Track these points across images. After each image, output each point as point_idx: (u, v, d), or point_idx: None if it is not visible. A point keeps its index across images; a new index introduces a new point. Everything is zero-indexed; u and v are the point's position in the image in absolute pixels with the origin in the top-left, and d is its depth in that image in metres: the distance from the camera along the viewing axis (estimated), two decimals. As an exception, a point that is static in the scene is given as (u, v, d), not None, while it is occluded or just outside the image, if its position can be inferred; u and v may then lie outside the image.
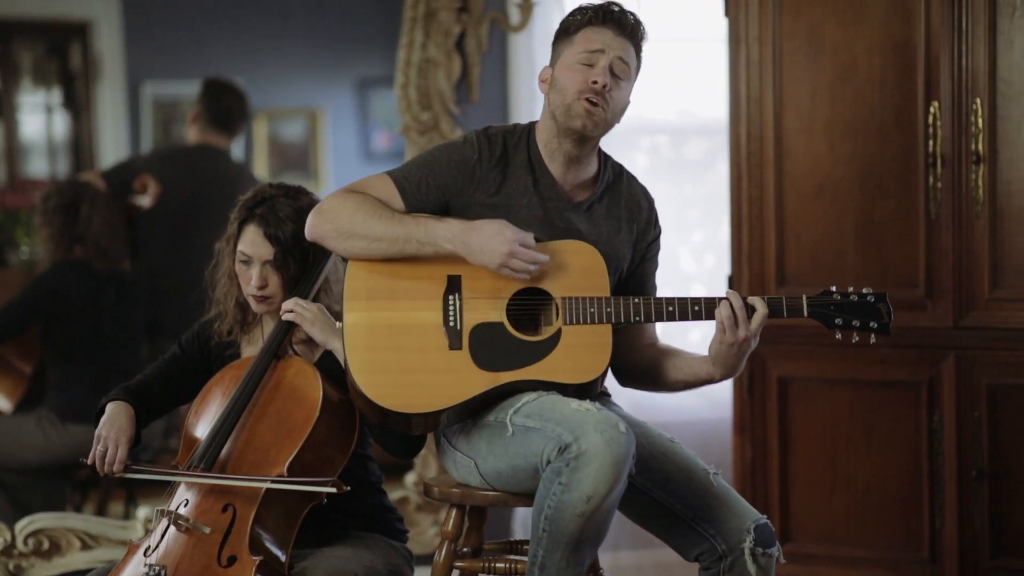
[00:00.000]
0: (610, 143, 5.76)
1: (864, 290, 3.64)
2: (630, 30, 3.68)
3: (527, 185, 3.70)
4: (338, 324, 3.68)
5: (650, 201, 3.88)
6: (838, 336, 3.65)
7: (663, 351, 3.83)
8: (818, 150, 4.89)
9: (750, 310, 3.60)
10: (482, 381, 3.57)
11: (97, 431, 3.77)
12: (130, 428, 3.78)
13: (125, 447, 3.73)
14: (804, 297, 3.65)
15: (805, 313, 3.64)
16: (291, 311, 3.77)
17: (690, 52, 6.06)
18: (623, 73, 3.66)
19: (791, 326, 4.81)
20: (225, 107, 6.69)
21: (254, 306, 3.90)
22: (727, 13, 5.01)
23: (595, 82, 3.61)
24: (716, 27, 5.24)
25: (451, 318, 3.61)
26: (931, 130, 4.70)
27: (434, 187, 3.68)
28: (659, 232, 3.89)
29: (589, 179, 3.77)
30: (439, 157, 3.71)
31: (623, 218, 3.80)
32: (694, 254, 6.28)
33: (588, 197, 3.76)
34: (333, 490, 3.53)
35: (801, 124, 4.91)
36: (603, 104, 3.63)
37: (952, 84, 4.69)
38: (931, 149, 4.70)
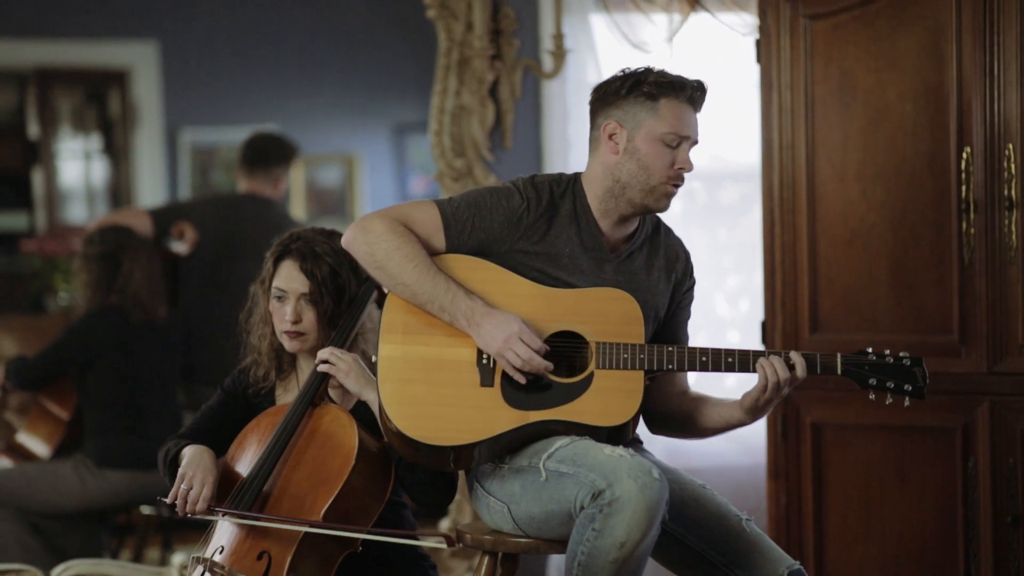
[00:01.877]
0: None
1: (901, 353, 3.65)
2: (701, 108, 3.75)
3: (571, 235, 3.72)
4: (373, 357, 3.70)
5: (687, 253, 3.91)
6: (872, 397, 3.66)
7: (694, 399, 3.84)
8: (851, 196, 4.89)
9: (789, 365, 3.62)
10: (511, 418, 3.59)
11: (181, 471, 3.76)
12: (215, 469, 3.78)
13: (211, 487, 3.72)
14: (839, 355, 3.65)
15: (839, 371, 3.65)
16: (326, 361, 3.78)
17: (723, 97, 6.07)
18: (696, 143, 3.74)
19: (825, 372, 4.82)
20: (259, 149, 6.70)
21: (287, 344, 3.92)
22: (759, 59, 5.01)
23: (682, 168, 3.67)
24: (748, 73, 5.25)
25: (485, 356, 3.63)
26: (964, 175, 4.69)
27: (479, 229, 3.70)
28: (694, 282, 3.92)
29: (631, 232, 3.79)
30: (489, 202, 3.72)
31: (661, 268, 3.81)
32: (729, 299, 6.28)
33: (628, 247, 3.77)
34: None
35: (833, 170, 4.90)
36: (681, 185, 3.71)
37: (985, 129, 4.68)
38: (964, 195, 4.69)
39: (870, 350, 3.66)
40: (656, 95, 3.66)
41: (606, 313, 3.66)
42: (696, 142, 3.71)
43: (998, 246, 4.67)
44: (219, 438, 3.97)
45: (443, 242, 3.70)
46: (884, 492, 4.90)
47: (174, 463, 3.83)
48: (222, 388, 4.06)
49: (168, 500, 3.74)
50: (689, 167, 3.67)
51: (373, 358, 3.69)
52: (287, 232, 4.00)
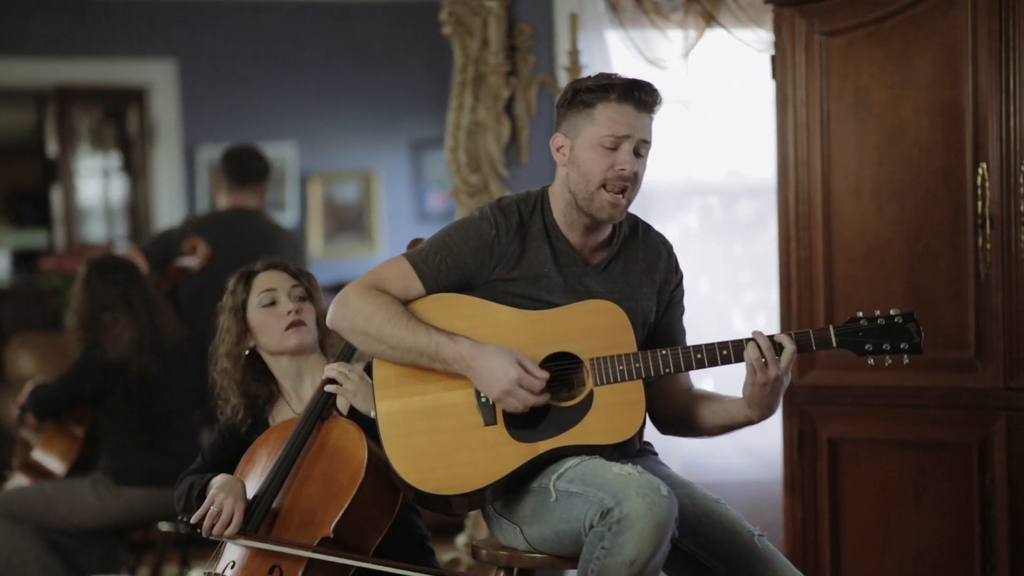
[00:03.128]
0: (661, 205, 5.81)
1: (891, 311, 3.63)
2: (650, 107, 3.67)
3: (545, 254, 3.70)
4: (372, 413, 3.69)
5: (668, 248, 3.87)
6: (870, 362, 3.63)
7: (699, 396, 3.82)
8: (866, 212, 4.89)
9: (778, 348, 3.59)
10: (520, 454, 3.58)
11: (212, 493, 3.76)
12: (245, 495, 3.78)
13: (240, 514, 3.72)
14: (831, 327, 3.63)
15: (834, 344, 3.63)
16: (333, 380, 3.79)
17: (739, 113, 6.09)
18: (644, 151, 3.67)
19: (840, 386, 4.82)
20: (239, 163, 6.75)
21: (292, 340, 3.96)
22: (774, 75, 5.02)
23: (622, 169, 3.62)
24: (764, 89, 5.25)
25: (483, 395, 3.62)
26: (979, 191, 4.68)
27: (454, 268, 3.69)
28: (681, 277, 3.88)
29: (605, 239, 3.77)
30: (456, 238, 3.71)
31: (643, 271, 3.79)
32: (746, 314, 6.28)
33: (605, 257, 3.76)
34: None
35: (849, 186, 4.90)
36: (629, 189, 3.65)
37: (1000, 145, 4.67)
38: (980, 210, 4.68)
39: (860, 314, 3.64)
40: (592, 101, 3.63)
41: (593, 327, 3.64)
42: (644, 141, 3.64)
43: (1014, 261, 4.67)
44: (229, 467, 3.99)
45: (422, 290, 3.69)
46: (900, 507, 4.89)
47: (202, 495, 3.83)
48: (218, 429, 4.08)
49: (194, 519, 3.74)
50: (629, 167, 3.60)
51: (372, 414, 3.68)
52: (236, 275, 4.05)
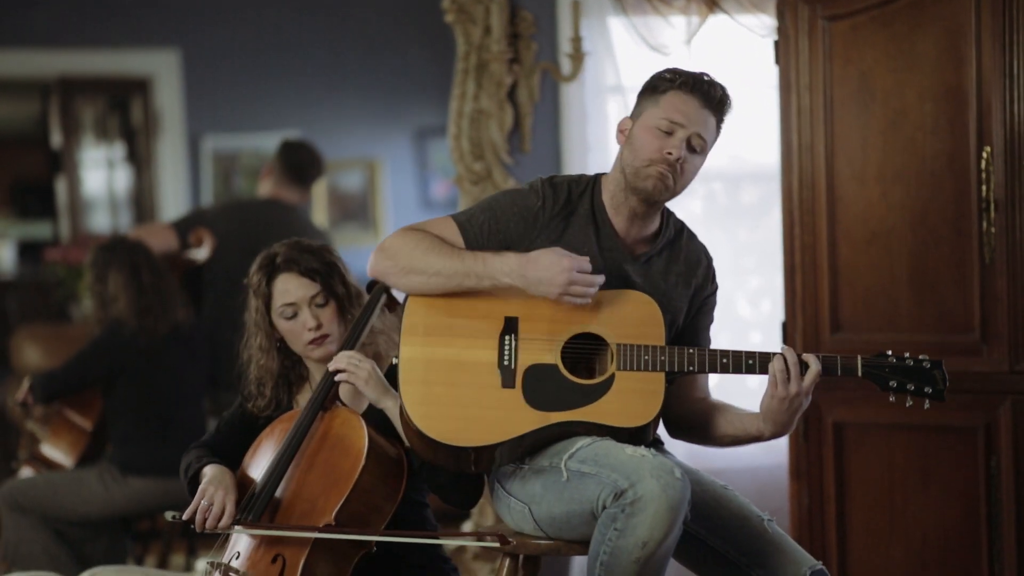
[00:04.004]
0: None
1: (920, 356, 3.64)
2: (716, 104, 3.69)
3: (588, 236, 3.72)
4: (394, 359, 3.70)
5: (709, 259, 3.90)
6: (892, 399, 3.65)
7: (714, 405, 3.84)
8: (870, 197, 4.88)
9: (803, 367, 3.60)
10: (532, 420, 3.59)
11: (202, 487, 3.78)
12: (235, 488, 3.80)
13: (233, 505, 3.74)
14: (859, 357, 3.64)
15: (859, 373, 3.64)
16: (343, 370, 3.79)
17: (742, 99, 6.06)
18: (699, 147, 3.69)
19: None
20: (299, 162, 6.76)
21: (314, 354, 3.94)
22: (777, 61, 5.01)
23: (669, 153, 3.63)
24: (767, 74, 5.24)
25: (506, 358, 3.63)
26: (984, 175, 4.68)
27: (496, 231, 3.71)
28: (715, 288, 3.90)
29: (651, 234, 3.79)
30: (503, 203, 3.74)
31: (680, 274, 3.81)
32: (751, 300, 6.27)
33: (647, 251, 3.77)
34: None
35: (853, 171, 4.90)
36: (674, 175, 3.65)
37: (1004, 129, 4.67)
38: (984, 194, 4.68)
39: (889, 352, 3.66)
40: (662, 87, 3.68)
41: (626, 315, 3.66)
42: (700, 136, 3.68)
43: (1019, 245, 4.67)
44: (238, 449, 4.00)
45: (462, 247, 3.71)
46: (907, 492, 4.89)
47: (195, 480, 3.85)
48: (243, 396, 4.07)
49: (186, 516, 3.76)
50: (676, 152, 3.62)
51: (394, 359, 3.70)
52: (259, 258, 4.02)
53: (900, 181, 4.84)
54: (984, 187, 4.68)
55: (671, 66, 3.77)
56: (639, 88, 3.77)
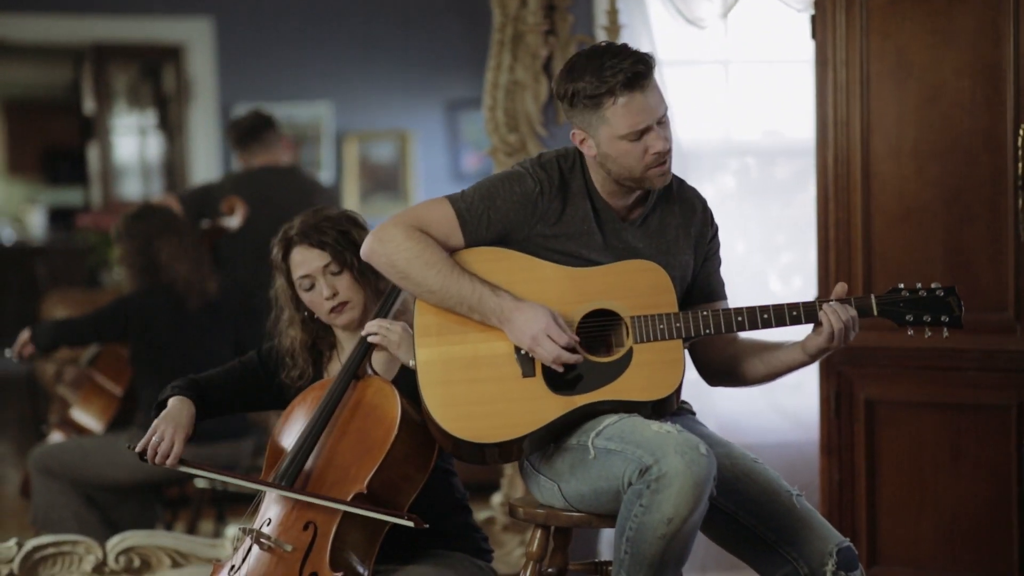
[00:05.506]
0: (697, 164, 5.78)
1: (933, 285, 3.62)
2: (649, 77, 3.60)
3: (586, 211, 3.70)
4: (412, 362, 3.70)
5: (703, 201, 3.86)
6: (910, 332, 3.63)
7: (748, 345, 3.81)
8: (905, 173, 4.87)
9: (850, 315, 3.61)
10: (558, 406, 3.58)
11: (155, 423, 3.83)
12: (189, 426, 3.85)
13: (181, 443, 3.79)
14: (873, 296, 3.63)
15: (875, 312, 3.63)
16: (375, 333, 3.79)
17: (777, 73, 6.05)
18: (666, 119, 3.63)
19: (878, 348, 4.80)
20: (264, 121, 6.81)
21: (338, 321, 3.94)
22: (814, 35, 4.99)
23: (657, 151, 3.59)
24: (803, 49, 5.22)
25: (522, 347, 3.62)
26: (1020, 152, 4.66)
27: (496, 221, 3.68)
28: (716, 229, 3.87)
29: (641, 195, 3.76)
30: (501, 191, 3.70)
31: (679, 225, 3.78)
32: (782, 276, 6.26)
33: (641, 212, 3.75)
34: (408, 523, 3.57)
35: (888, 147, 4.88)
36: (669, 159, 3.64)
37: (1041, 106, 4.66)
38: (1020, 171, 4.66)
39: (902, 286, 3.64)
40: (597, 104, 3.58)
41: (635, 286, 3.65)
42: (662, 115, 3.60)
43: (1054, 223, 4.65)
44: (227, 397, 4.04)
45: (461, 239, 3.68)
46: (938, 470, 4.88)
47: (160, 409, 3.89)
48: (258, 353, 4.08)
49: (138, 448, 3.80)
50: (661, 146, 3.58)
51: (411, 363, 3.69)
52: (280, 231, 4.02)
53: (935, 158, 4.82)
54: (1020, 165, 4.66)
55: (578, 64, 3.63)
56: (561, 96, 3.66)
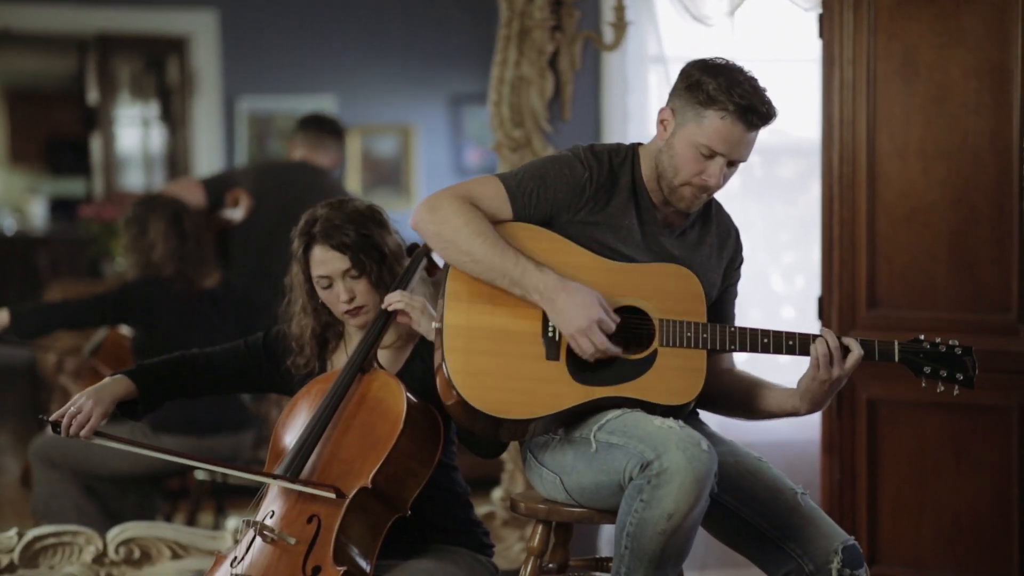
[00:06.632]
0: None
1: (951, 342, 3.62)
2: (763, 123, 3.61)
3: (629, 207, 3.70)
4: (435, 324, 3.68)
5: (736, 230, 3.88)
6: (923, 385, 3.63)
7: (746, 379, 3.82)
8: (911, 173, 4.87)
9: (845, 350, 3.59)
10: (576, 394, 3.58)
11: (76, 395, 3.85)
12: (110, 403, 3.86)
13: (98, 417, 3.80)
14: (896, 342, 3.62)
15: (896, 358, 3.62)
16: (399, 301, 3.77)
17: (783, 72, 6.05)
18: (739, 160, 3.64)
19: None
20: (324, 123, 6.79)
21: (352, 322, 3.93)
22: (821, 34, 5.00)
23: (707, 180, 3.60)
24: (810, 48, 5.22)
25: (550, 329, 3.61)
26: (1026, 154, 4.67)
27: (544, 201, 3.68)
28: (742, 261, 3.89)
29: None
30: (552, 171, 3.70)
31: (713, 245, 3.79)
32: (784, 275, 6.26)
33: (683, 224, 3.75)
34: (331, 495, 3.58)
35: (894, 147, 4.88)
36: (708, 193, 3.66)
37: (1048, 108, 4.66)
38: (1026, 174, 4.67)
39: (923, 337, 3.64)
40: (708, 103, 3.58)
41: (667, 289, 3.65)
42: (736, 161, 3.62)
43: (1059, 225, 4.66)
44: (223, 374, 4.05)
45: (510, 215, 3.68)
46: (939, 470, 4.89)
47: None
48: (266, 335, 4.07)
49: (52, 418, 3.82)
50: (713, 182, 3.60)
51: (436, 324, 3.68)
52: (302, 219, 4.00)
53: (941, 158, 4.82)
54: (1026, 167, 4.67)
55: (729, 67, 3.64)
56: (686, 76, 3.65)
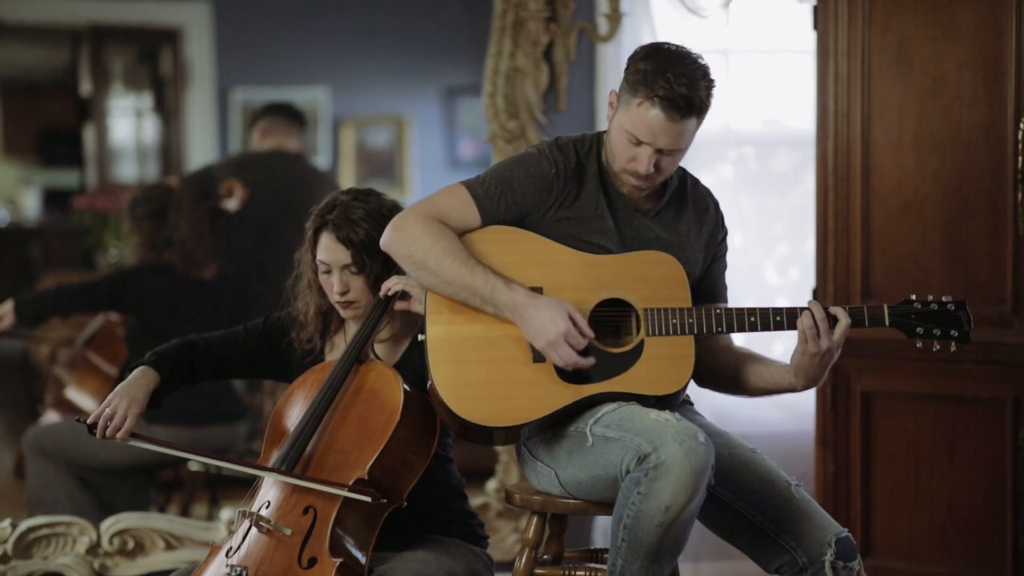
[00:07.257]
0: (696, 154, 5.79)
1: (944, 298, 3.62)
2: (692, 111, 3.56)
3: (599, 198, 3.69)
4: (420, 336, 3.68)
5: (715, 202, 3.87)
6: (919, 345, 3.63)
7: (743, 355, 3.81)
8: (905, 165, 4.87)
9: (832, 320, 3.59)
10: (566, 394, 3.58)
11: (111, 395, 3.83)
12: (144, 400, 3.84)
13: (134, 418, 3.79)
14: (886, 307, 3.62)
15: (887, 323, 3.62)
16: (397, 283, 3.75)
17: (777, 63, 6.05)
18: (672, 150, 3.59)
19: (876, 339, 4.79)
20: (290, 111, 6.80)
21: (342, 313, 3.92)
22: (816, 26, 4.99)
23: (637, 168, 3.60)
24: (804, 39, 5.22)
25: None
26: (1020, 147, 4.67)
27: (512, 203, 3.67)
28: (726, 232, 3.87)
29: (657, 187, 3.76)
30: (517, 172, 3.69)
31: (691, 222, 3.78)
32: (778, 267, 6.26)
33: (656, 205, 3.75)
34: (367, 499, 3.56)
35: (889, 139, 4.89)
36: (648, 180, 3.63)
37: (1042, 100, 4.66)
38: (1020, 166, 4.67)
39: (914, 297, 3.64)
40: (636, 90, 3.56)
41: (649, 278, 3.64)
42: (663, 150, 3.57)
43: (1053, 217, 4.66)
44: (225, 360, 4.04)
45: (479, 224, 3.66)
46: (933, 462, 4.89)
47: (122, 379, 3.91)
48: (266, 320, 4.06)
49: (89, 421, 3.81)
50: (643, 169, 3.57)
51: (420, 337, 3.67)
52: (324, 200, 3.97)
53: (936, 150, 4.82)
54: (1020, 159, 4.67)
55: (660, 48, 3.61)
56: (630, 60, 3.63)
